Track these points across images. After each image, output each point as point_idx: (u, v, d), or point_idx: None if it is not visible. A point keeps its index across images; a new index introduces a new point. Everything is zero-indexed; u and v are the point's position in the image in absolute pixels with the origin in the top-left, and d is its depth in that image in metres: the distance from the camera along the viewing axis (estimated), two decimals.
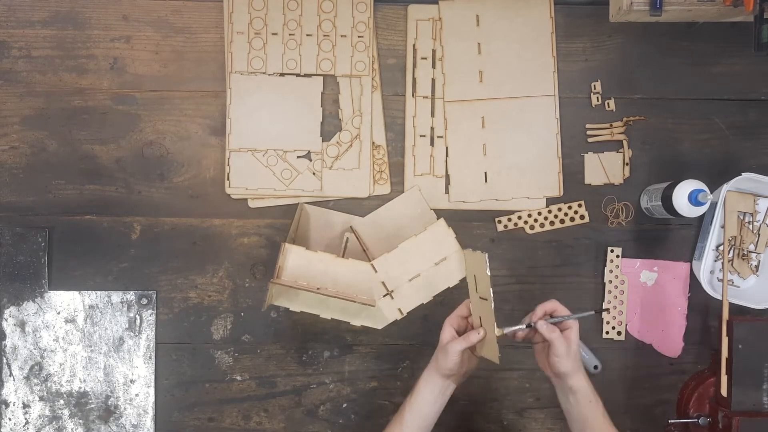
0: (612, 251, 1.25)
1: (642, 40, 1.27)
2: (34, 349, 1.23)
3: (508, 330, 1.03)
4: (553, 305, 1.05)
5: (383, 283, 1.15)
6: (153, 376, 1.24)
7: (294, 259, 1.12)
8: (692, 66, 1.27)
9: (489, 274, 0.99)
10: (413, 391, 1.07)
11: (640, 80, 1.27)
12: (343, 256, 1.18)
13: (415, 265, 1.16)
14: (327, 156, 1.25)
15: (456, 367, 1.04)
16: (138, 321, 1.24)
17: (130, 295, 1.24)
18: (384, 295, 1.15)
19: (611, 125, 1.27)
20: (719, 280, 1.24)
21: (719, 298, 1.20)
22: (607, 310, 1.20)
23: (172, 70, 1.25)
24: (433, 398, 1.06)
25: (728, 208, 1.22)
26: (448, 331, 1.05)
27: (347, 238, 1.23)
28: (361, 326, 1.17)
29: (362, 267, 1.14)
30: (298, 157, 1.25)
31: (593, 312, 1.07)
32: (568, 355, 1.02)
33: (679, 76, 1.27)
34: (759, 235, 1.25)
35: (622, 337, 1.26)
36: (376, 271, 1.15)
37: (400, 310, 1.16)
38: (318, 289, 1.11)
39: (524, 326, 1.04)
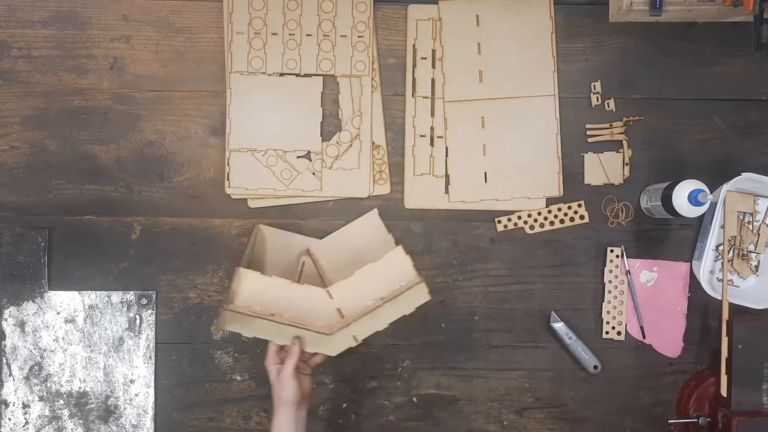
0: (612, 251, 1.25)
1: (642, 40, 1.27)
2: (34, 349, 1.23)
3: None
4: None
5: (339, 310, 1.11)
6: (153, 376, 1.24)
7: (248, 284, 1.09)
8: (692, 66, 1.27)
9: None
10: None
11: (640, 80, 1.27)
12: (299, 280, 1.17)
13: (372, 291, 1.11)
14: (327, 156, 1.25)
15: (299, 392, 1.06)
16: (138, 321, 1.24)
17: (130, 295, 1.24)
18: (339, 323, 1.11)
19: (611, 125, 1.27)
20: (719, 280, 1.24)
21: (719, 298, 1.20)
22: None
23: (172, 70, 1.25)
24: (294, 430, 1.08)
25: (728, 208, 1.22)
26: (273, 368, 1.08)
27: (303, 261, 1.22)
28: None
29: (318, 293, 1.10)
30: (298, 157, 1.25)
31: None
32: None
33: (679, 76, 1.27)
34: (759, 235, 1.25)
35: (622, 337, 1.26)
36: (332, 298, 1.11)
37: (355, 337, 1.11)
38: (272, 315, 1.09)
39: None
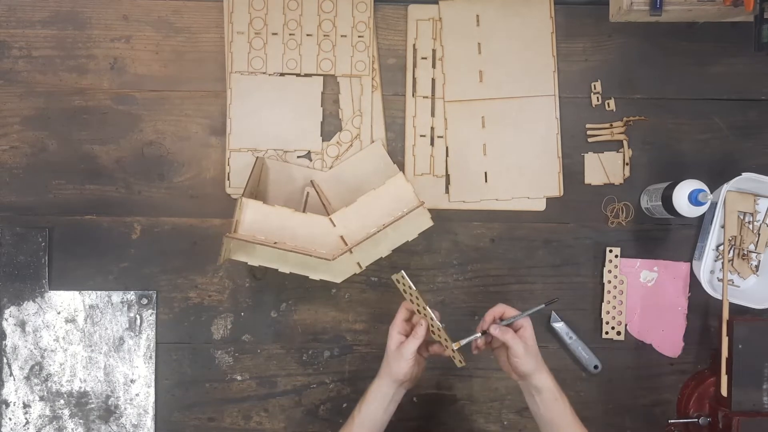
0: (611, 251, 1.25)
1: (642, 40, 1.27)
2: (35, 348, 1.23)
3: (464, 341, 1.05)
4: (501, 309, 1.06)
5: (342, 237, 1.12)
6: (153, 376, 1.24)
7: (251, 214, 1.10)
8: (692, 66, 1.27)
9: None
10: (364, 400, 1.07)
11: (640, 80, 1.27)
12: (303, 211, 1.17)
13: (374, 218, 1.12)
14: (327, 156, 1.25)
15: (410, 371, 1.04)
16: (138, 321, 1.24)
17: (131, 295, 1.24)
18: (343, 249, 1.12)
19: (611, 125, 1.27)
20: (719, 280, 1.24)
21: (719, 298, 1.20)
22: (556, 301, 1.13)
23: (172, 70, 1.25)
24: (385, 406, 1.06)
25: (728, 208, 1.22)
26: (395, 337, 1.05)
27: (307, 192, 1.22)
28: (320, 280, 1.14)
29: (321, 221, 1.11)
30: (298, 157, 1.25)
31: (543, 305, 1.07)
32: (527, 354, 1.02)
33: (679, 76, 1.27)
34: (759, 235, 1.25)
35: (622, 337, 1.26)
36: (334, 225, 1.12)
37: (359, 264, 1.14)
38: (275, 243, 1.09)
39: (479, 334, 1.05)
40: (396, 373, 1.04)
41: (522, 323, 1.04)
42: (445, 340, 1.05)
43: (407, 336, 1.05)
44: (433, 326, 1.05)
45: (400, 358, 1.03)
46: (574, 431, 1.04)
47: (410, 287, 1.04)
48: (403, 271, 1.04)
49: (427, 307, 1.03)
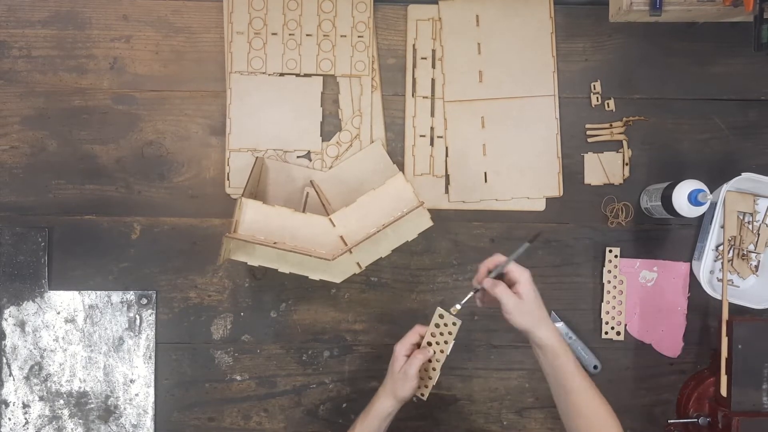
0: (610, 251, 1.25)
1: (642, 40, 1.27)
2: (34, 348, 1.23)
3: (463, 301, 1.05)
4: (497, 259, 1.03)
5: (342, 237, 1.12)
6: (153, 376, 1.24)
7: (251, 214, 1.10)
8: (692, 66, 1.27)
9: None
10: (366, 418, 1.06)
11: (640, 80, 1.27)
12: (303, 211, 1.17)
13: (374, 219, 1.12)
14: (327, 156, 1.25)
15: (415, 390, 1.05)
16: (138, 321, 1.24)
17: (130, 295, 1.24)
18: (342, 249, 1.12)
19: (611, 125, 1.27)
20: (719, 280, 1.24)
21: (719, 298, 1.20)
22: (539, 234, 1.10)
23: (172, 70, 1.25)
24: (387, 423, 1.07)
25: (728, 208, 1.22)
26: (402, 359, 1.05)
27: (307, 192, 1.22)
28: (320, 280, 1.14)
29: (320, 221, 1.12)
30: (298, 157, 1.25)
31: (527, 244, 1.04)
32: (519, 310, 0.99)
33: (679, 76, 1.27)
34: (759, 235, 1.25)
35: (621, 337, 1.26)
36: (334, 226, 1.12)
37: (358, 264, 1.14)
38: (275, 243, 1.09)
39: (473, 291, 1.04)
40: (402, 395, 1.05)
41: (518, 277, 1.00)
42: (429, 378, 1.06)
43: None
44: (430, 362, 1.06)
45: (406, 379, 1.04)
46: (580, 388, 1.01)
47: (449, 324, 1.05)
48: (453, 313, 1.05)
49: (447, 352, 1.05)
